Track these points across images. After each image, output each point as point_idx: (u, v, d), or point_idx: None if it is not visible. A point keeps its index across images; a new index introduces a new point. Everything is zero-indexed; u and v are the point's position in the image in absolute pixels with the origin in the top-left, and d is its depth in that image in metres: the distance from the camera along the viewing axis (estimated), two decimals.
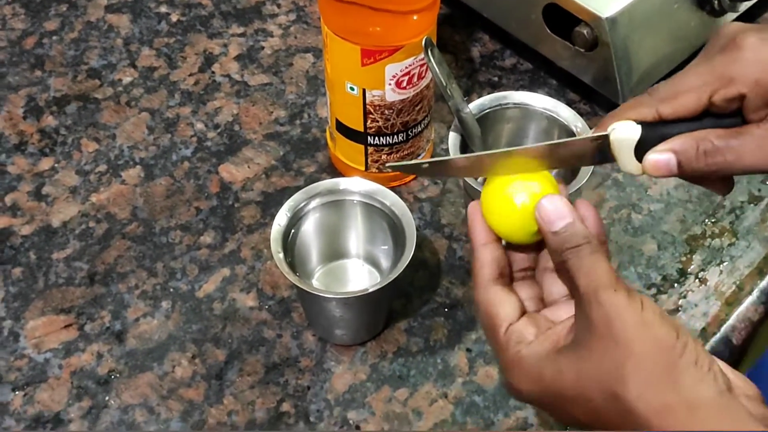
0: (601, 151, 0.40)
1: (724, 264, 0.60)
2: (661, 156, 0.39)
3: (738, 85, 0.38)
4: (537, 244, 0.41)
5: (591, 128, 0.56)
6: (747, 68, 0.37)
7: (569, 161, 0.42)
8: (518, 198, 0.39)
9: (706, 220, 0.63)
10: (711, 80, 0.38)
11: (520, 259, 0.42)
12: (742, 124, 0.39)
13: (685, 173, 0.39)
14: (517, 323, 0.39)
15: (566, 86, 0.70)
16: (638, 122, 0.39)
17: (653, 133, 0.39)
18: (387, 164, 0.42)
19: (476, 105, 0.57)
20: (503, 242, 0.42)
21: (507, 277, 0.41)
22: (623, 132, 0.39)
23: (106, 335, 0.56)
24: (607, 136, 0.39)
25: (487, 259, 0.40)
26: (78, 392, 0.54)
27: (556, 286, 0.41)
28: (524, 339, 0.38)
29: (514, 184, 0.40)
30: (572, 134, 0.57)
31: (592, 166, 0.54)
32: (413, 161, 0.40)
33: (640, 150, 0.39)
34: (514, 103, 0.58)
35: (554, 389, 0.37)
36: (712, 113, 0.39)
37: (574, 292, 0.37)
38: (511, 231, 0.40)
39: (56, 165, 0.65)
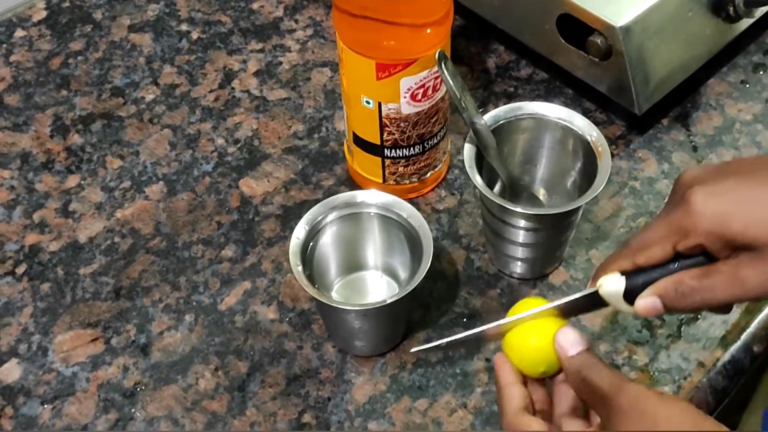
0: (597, 302, 0.47)
1: None
2: (646, 302, 0.45)
3: (694, 237, 0.43)
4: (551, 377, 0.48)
5: (605, 137, 0.57)
6: (698, 222, 0.42)
7: (572, 313, 0.48)
8: (534, 340, 0.47)
9: None
10: (671, 234, 0.43)
11: (539, 401, 0.48)
12: (715, 260, 0.43)
13: (672, 312, 0.45)
14: None
15: (582, 95, 0.71)
16: (622, 273, 0.45)
17: (637, 280, 0.45)
18: (411, 350, 0.51)
19: (491, 116, 0.58)
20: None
21: (530, 410, 0.47)
22: (610, 286, 0.45)
23: (132, 348, 0.58)
24: (596, 292, 0.46)
25: (514, 394, 0.46)
26: (105, 405, 0.55)
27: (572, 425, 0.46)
28: None
29: (529, 329, 0.47)
30: (587, 143, 0.57)
31: (608, 176, 0.55)
32: (437, 342, 0.50)
33: (630, 295, 0.45)
34: (529, 114, 0.59)
35: None
36: (683, 256, 0.44)
37: (597, 398, 0.43)
38: (530, 366, 0.47)
39: (82, 182, 0.67)
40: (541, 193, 0.62)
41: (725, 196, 0.42)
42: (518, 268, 0.60)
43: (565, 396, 0.47)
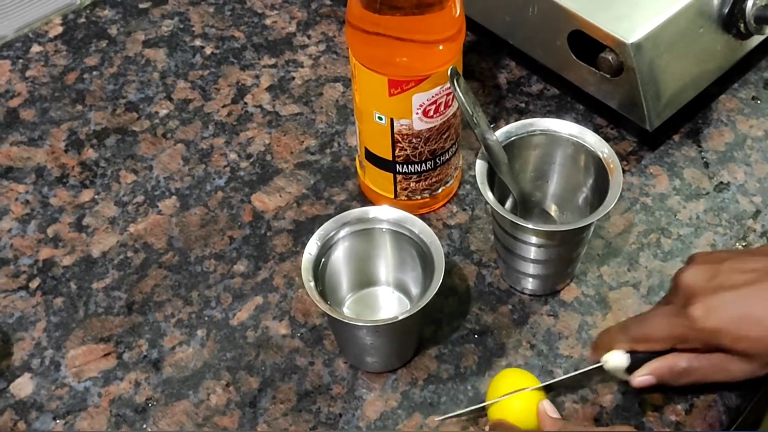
0: (600, 375, 0.54)
1: None
2: (643, 379, 0.52)
3: (692, 344, 0.51)
4: None
5: (617, 153, 0.57)
6: (697, 336, 0.50)
7: (578, 385, 0.55)
8: (517, 413, 0.52)
9: (737, 244, 0.63)
10: (671, 337, 0.51)
11: None
12: None
13: (666, 386, 0.52)
14: None
15: (593, 111, 0.71)
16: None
17: (635, 356, 0.52)
18: (437, 419, 0.55)
19: (503, 132, 0.58)
20: None
21: None
22: (615, 362, 0.52)
23: (144, 363, 0.58)
24: (601, 367, 0.53)
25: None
26: (116, 420, 0.55)
27: None
28: None
29: (512, 403, 0.52)
30: (598, 160, 0.57)
31: (619, 192, 0.55)
32: (459, 412, 0.55)
33: (629, 369, 0.52)
34: (541, 130, 0.59)
35: None
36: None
37: None
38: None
39: (96, 197, 0.67)
40: (553, 210, 0.62)
41: (720, 312, 0.49)
42: (530, 284, 0.60)
43: None
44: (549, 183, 0.61)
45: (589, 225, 0.55)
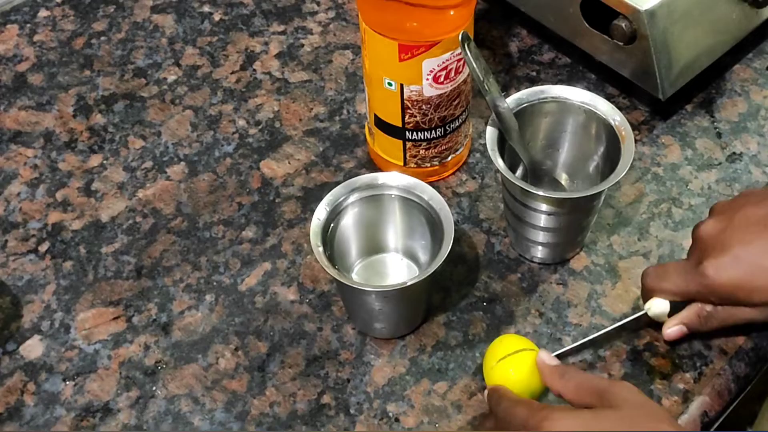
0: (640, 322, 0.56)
1: None
2: (674, 329, 0.54)
3: (708, 297, 0.52)
4: None
5: (628, 123, 0.56)
6: (711, 291, 0.51)
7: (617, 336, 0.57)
8: (514, 373, 0.51)
9: None
10: (688, 292, 0.53)
11: None
12: None
13: (695, 332, 0.54)
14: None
15: (605, 80, 0.70)
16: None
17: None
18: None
19: (514, 99, 0.58)
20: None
21: None
22: (659, 308, 0.54)
23: (153, 327, 0.58)
24: (645, 314, 0.55)
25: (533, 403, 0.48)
26: (126, 382, 0.56)
27: None
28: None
29: (507, 365, 0.51)
30: (610, 127, 0.57)
31: (631, 159, 0.54)
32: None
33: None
34: (552, 97, 0.58)
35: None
36: None
37: (594, 394, 0.46)
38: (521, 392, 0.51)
39: (105, 162, 0.67)
40: (563, 178, 0.62)
41: (731, 269, 0.50)
42: (539, 252, 0.60)
43: None
44: (560, 151, 0.61)
45: (600, 193, 0.55)
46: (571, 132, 0.60)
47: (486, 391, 0.51)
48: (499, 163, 0.55)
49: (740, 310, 0.52)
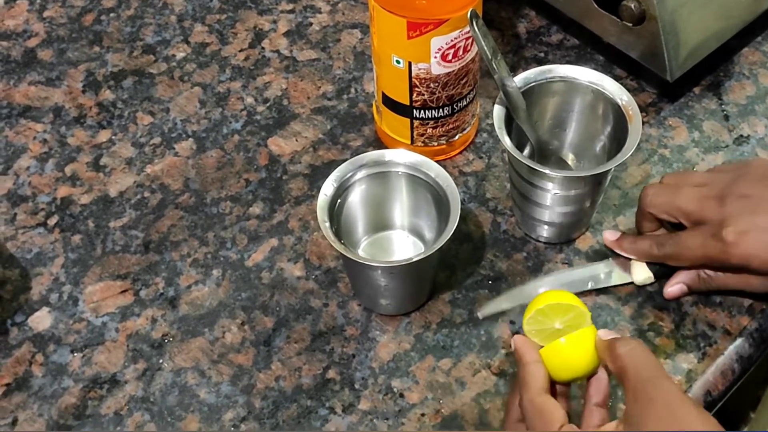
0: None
1: None
2: (676, 288, 0.56)
3: (722, 263, 0.52)
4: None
5: (636, 103, 0.56)
6: (728, 258, 0.51)
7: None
8: (570, 348, 0.47)
9: None
10: (704, 257, 0.53)
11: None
12: None
13: (695, 292, 0.56)
14: (569, 425, 0.44)
15: (613, 62, 0.70)
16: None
17: (660, 269, 0.57)
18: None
19: (521, 78, 0.58)
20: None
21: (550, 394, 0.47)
22: (643, 276, 0.57)
23: (160, 301, 0.59)
24: (631, 282, 0.57)
25: (539, 372, 0.47)
26: (133, 355, 0.56)
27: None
28: None
29: (568, 342, 0.48)
30: (617, 107, 0.57)
31: (638, 138, 0.54)
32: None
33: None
34: (560, 77, 0.58)
35: None
36: None
37: (635, 382, 0.43)
38: (567, 372, 0.48)
39: (113, 137, 0.68)
40: (570, 158, 0.62)
41: (751, 237, 0.50)
42: (545, 232, 0.60)
43: (596, 390, 0.47)
44: (567, 131, 0.61)
45: (607, 172, 0.55)
46: (578, 112, 0.60)
47: (515, 341, 0.48)
48: (506, 141, 0.55)
49: (743, 277, 0.53)
